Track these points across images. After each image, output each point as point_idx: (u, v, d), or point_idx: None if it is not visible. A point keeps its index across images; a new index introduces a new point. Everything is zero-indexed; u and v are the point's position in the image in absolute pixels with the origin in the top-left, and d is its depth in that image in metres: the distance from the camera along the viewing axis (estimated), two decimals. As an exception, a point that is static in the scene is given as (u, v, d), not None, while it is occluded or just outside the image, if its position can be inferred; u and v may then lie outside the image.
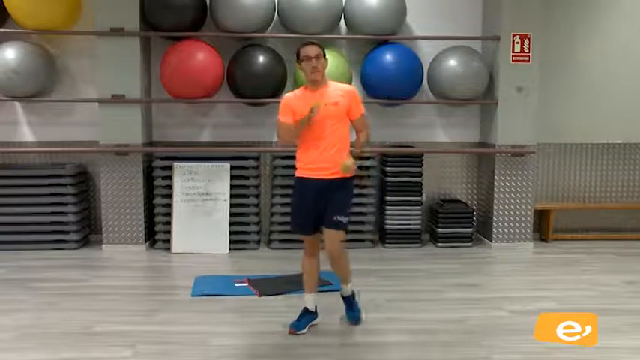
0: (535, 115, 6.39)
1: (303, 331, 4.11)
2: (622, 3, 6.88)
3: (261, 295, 4.82)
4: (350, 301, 4.33)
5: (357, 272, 5.17)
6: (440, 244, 6.49)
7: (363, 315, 4.32)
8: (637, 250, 6.46)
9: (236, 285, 5.05)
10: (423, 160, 6.45)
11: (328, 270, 5.43)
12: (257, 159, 6.38)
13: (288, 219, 6.24)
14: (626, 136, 6.96)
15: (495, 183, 6.44)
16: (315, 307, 4.24)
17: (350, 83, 6.32)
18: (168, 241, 6.19)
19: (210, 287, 4.97)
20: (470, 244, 6.53)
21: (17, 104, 6.47)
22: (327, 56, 4.12)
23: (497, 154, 6.41)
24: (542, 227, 6.89)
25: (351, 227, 6.20)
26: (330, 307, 4.60)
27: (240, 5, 5.99)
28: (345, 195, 4.10)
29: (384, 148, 6.59)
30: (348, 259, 4.27)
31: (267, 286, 4.99)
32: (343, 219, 4.06)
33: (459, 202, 6.74)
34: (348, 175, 4.06)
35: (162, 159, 6.26)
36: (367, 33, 6.27)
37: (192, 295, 4.83)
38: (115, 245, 6.21)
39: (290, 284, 5.03)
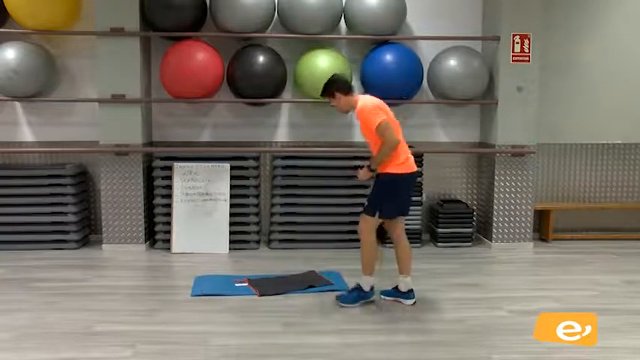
0: (535, 115, 6.39)
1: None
2: (622, 3, 6.87)
3: (261, 295, 4.81)
4: (353, 288, 4.70)
5: (357, 272, 5.17)
6: (440, 244, 6.49)
7: (344, 303, 4.61)
8: (637, 250, 6.47)
9: (236, 285, 5.04)
10: (423, 160, 6.45)
11: (330, 270, 5.45)
12: (257, 159, 6.38)
13: (288, 219, 6.32)
14: (626, 136, 6.96)
15: (495, 183, 6.44)
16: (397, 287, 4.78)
17: (349, 83, 6.35)
18: (168, 241, 6.19)
19: (210, 287, 4.96)
20: (470, 244, 6.53)
21: (17, 104, 6.47)
22: (337, 91, 4.59)
23: (497, 154, 6.41)
24: (542, 227, 6.89)
25: (350, 227, 6.25)
26: (329, 307, 4.61)
27: (240, 5, 5.99)
28: (374, 188, 4.70)
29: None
30: (368, 252, 4.63)
31: (268, 286, 4.98)
32: (366, 204, 4.68)
33: (459, 202, 6.74)
34: (381, 171, 4.59)
35: (162, 159, 6.26)
36: (367, 33, 6.27)
37: (192, 295, 4.82)
38: (115, 245, 6.21)
39: (290, 284, 5.03)
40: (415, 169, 4.65)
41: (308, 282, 5.06)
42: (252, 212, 6.33)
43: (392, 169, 4.52)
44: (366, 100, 4.61)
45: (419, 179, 6.41)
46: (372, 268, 4.63)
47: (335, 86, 4.62)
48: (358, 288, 4.64)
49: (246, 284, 5.04)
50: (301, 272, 5.33)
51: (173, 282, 5.46)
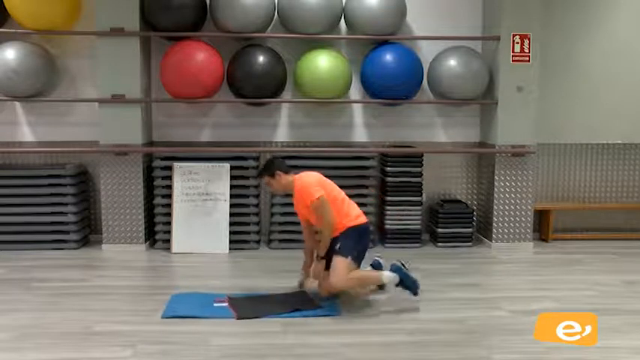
0: (535, 115, 6.39)
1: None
2: (622, 3, 6.88)
3: (239, 318, 4.35)
4: (399, 282, 4.60)
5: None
6: (440, 244, 6.49)
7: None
8: (637, 250, 6.47)
9: (215, 305, 4.58)
10: (423, 160, 6.45)
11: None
12: (257, 159, 6.37)
13: (288, 219, 6.31)
14: (626, 136, 6.96)
15: (495, 183, 6.44)
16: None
17: (350, 83, 6.36)
18: (168, 241, 6.19)
19: (184, 308, 4.48)
20: (470, 244, 6.53)
21: (17, 104, 6.47)
22: (274, 173, 4.66)
23: (497, 154, 6.41)
24: (542, 227, 6.89)
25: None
26: (330, 307, 4.61)
27: (240, 5, 5.99)
28: (340, 244, 4.64)
29: (384, 148, 6.61)
30: (363, 281, 4.72)
31: (248, 308, 4.51)
32: (339, 246, 4.61)
33: (459, 202, 6.74)
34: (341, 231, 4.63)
35: (162, 159, 6.26)
36: (367, 33, 6.27)
37: (162, 317, 4.36)
38: (115, 245, 6.21)
39: (274, 305, 4.57)
40: (366, 220, 4.72)
41: (293, 305, 4.56)
42: (252, 212, 6.33)
43: (351, 223, 4.61)
44: (306, 176, 4.67)
45: (419, 179, 6.43)
46: (374, 279, 4.70)
47: (276, 166, 4.71)
48: (398, 281, 4.58)
49: (226, 304, 4.59)
50: (292, 292, 4.88)
51: (173, 282, 5.45)
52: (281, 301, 4.68)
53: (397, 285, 4.58)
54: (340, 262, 4.50)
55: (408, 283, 4.57)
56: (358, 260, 4.62)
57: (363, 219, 4.70)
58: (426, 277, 5.40)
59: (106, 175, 6.18)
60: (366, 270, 4.77)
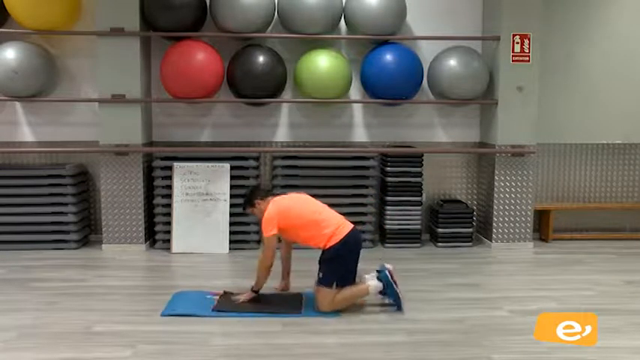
0: (535, 115, 6.39)
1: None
2: (623, 2, 6.88)
3: (214, 310, 4.45)
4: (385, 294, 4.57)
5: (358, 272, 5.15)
6: (440, 244, 6.49)
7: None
8: (637, 250, 6.47)
9: (206, 297, 4.68)
10: (423, 160, 6.45)
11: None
12: (257, 159, 6.38)
13: (288, 219, 6.31)
14: (626, 136, 6.96)
15: (495, 183, 6.44)
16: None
17: (350, 83, 6.37)
18: (168, 241, 6.19)
19: (183, 306, 4.52)
20: (470, 244, 6.53)
21: (17, 104, 6.47)
22: (254, 203, 4.72)
23: (497, 154, 6.41)
24: (542, 227, 6.89)
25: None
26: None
27: (240, 5, 5.99)
28: (322, 267, 4.56)
29: (384, 148, 6.61)
30: (352, 298, 4.55)
31: (228, 302, 4.57)
32: (321, 276, 4.52)
33: (459, 202, 6.74)
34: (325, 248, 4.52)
35: (162, 159, 6.26)
36: (367, 33, 6.27)
37: (161, 315, 4.40)
38: (115, 245, 6.21)
39: (255, 304, 4.55)
40: (349, 229, 4.52)
41: (276, 308, 4.52)
42: (252, 212, 6.33)
43: (329, 244, 4.46)
44: (274, 205, 4.60)
45: (419, 179, 6.43)
46: (362, 291, 4.53)
47: (254, 195, 4.75)
48: (384, 292, 4.52)
49: (216, 297, 4.70)
50: (287, 293, 4.89)
51: (173, 282, 5.45)
52: (267, 302, 4.65)
53: (380, 292, 4.49)
54: (322, 293, 4.45)
55: (391, 295, 4.49)
56: (347, 277, 4.49)
57: (338, 236, 4.47)
58: (426, 277, 5.42)
59: (106, 175, 6.18)
60: (352, 287, 4.51)
